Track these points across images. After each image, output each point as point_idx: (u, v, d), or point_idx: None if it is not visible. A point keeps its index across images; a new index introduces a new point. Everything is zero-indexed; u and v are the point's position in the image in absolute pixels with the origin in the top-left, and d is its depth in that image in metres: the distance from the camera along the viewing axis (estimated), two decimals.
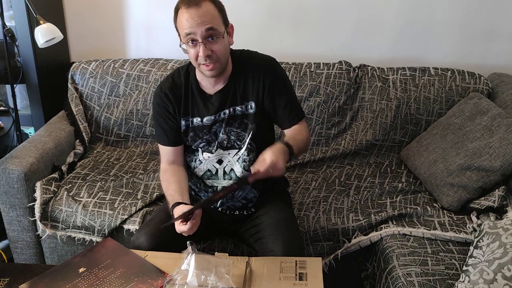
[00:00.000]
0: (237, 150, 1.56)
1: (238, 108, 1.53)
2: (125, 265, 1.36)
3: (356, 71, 2.25)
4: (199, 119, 1.56)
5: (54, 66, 2.39)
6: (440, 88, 2.19)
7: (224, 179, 1.60)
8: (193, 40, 1.39)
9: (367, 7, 2.31)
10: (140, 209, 1.87)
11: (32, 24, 2.07)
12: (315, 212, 1.84)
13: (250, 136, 1.54)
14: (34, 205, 1.89)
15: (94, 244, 1.84)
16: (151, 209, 1.89)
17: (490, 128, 1.85)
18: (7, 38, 2.03)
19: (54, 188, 1.96)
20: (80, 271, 1.34)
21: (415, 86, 2.20)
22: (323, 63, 2.27)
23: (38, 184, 1.92)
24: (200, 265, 1.23)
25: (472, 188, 1.78)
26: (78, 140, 2.30)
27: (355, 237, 1.76)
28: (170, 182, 1.52)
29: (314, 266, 1.33)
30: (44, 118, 2.31)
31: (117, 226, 1.83)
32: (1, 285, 1.34)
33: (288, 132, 1.57)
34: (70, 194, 1.93)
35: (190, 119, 1.57)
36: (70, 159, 2.18)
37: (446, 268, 1.50)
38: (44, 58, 2.26)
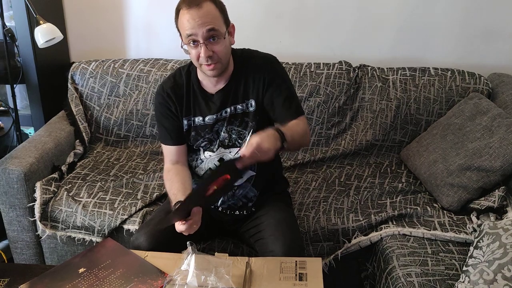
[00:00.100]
0: (238, 148, 1.56)
1: (239, 106, 1.54)
2: (125, 266, 1.36)
3: (356, 71, 2.25)
4: (200, 118, 1.56)
5: (54, 66, 2.39)
6: (440, 88, 2.19)
7: None
8: (194, 41, 1.39)
9: (367, 7, 2.31)
10: (140, 209, 1.87)
11: (32, 24, 2.07)
12: (315, 212, 1.84)
13: (250, 134, 1.54)
14: (34, 205, 1.89)
15: (94, 244, 1.84)
16: (151, 209, 1.89)
17: (490, 128, 1.85)
18: (7, 38, 2.03)
19: (54, 188, 1.96)
20: (80, 272, 1.34)
21: (415, 86, 2.20)
22: (323, 63, 2.27)
23: (38, 184, 1.92)
24: (200, 265, 1.23)
25: (472, 188, 1.78)
26: (78, 140, 2.30)
27: (355, 238, 1.76)
28: (174, 181, 1.52)
29: (314, 266, 1.33)
30: (44, 118, 2.31)
31: (117, 226, 1.83)
32: (1, 285, 1.34)
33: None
34: (70, 194, 1.93)
35: (192, 119, 1.57)
36: (70, 159, 2.18)
37: (446, 269, 1.50)
38: (44, 58, 2.26)
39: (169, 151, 1.60)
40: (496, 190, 1.76)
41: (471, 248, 1.46)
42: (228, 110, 1.54)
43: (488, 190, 1.79)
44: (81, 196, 1.93)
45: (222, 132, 1.56)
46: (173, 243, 1.41)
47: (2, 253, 2.00)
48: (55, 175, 2.01)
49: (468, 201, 1.80)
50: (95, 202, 1.89)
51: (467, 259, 1.44)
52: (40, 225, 1.88)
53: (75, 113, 2.32)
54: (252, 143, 1.24)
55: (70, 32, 2.51)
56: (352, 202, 1.89)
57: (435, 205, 1.85)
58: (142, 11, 2.45)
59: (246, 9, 2.34)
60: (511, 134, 1.77)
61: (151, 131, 2.33)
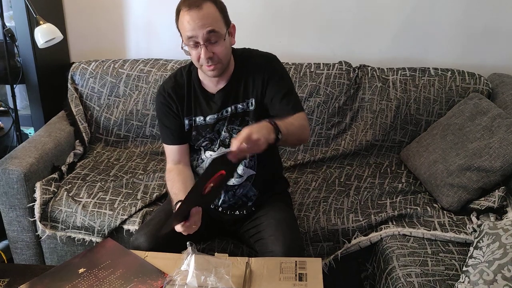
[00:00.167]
0: None
1: (239, 105, 1.54)
2: (125, 266, 1.36)
3: (356, 72, 2.25)
4: (201, 118, 1.56)
5: (54, 67, 2.39)
6: (440, 89, 2.19)
7: None
8: (194, 42, 1.39)
9: (367, 7, 2.31)
10: (139, 210, 1.87)
11: (32, 24, 2.07)
12: (315, 212, 1.84)
13: None
14: (34, 205, 1.89)
15: (94, 244, 1.84)
16: (151, 209, 1.89)
17: (490, 129, 1.85)
18: (7, 39, 2.03)
19: (54, 189, 1.96)
20: (79, 272, 1.34)
21: (415, 86, 2.20)
22: (323, 64, 2.27)
23: (37, 184, 1.92)
24: (200, 265, 1.23)
25: (472, 188, 1.78)
26: (78, 141, 2.30)
27: (355, 238, 1.76)
28: (175, 181, 1.52)
29: (314, 267, 1.32)
30: (44, 118, 2.31)
31: (117, 226, 1.83)
32: (1, 286, 1.34)
33: None
34: (70, 194, 1.93)
35: (193, 118, 1.57)
36: (70, 159, 2.18)
37: (446, 269, 1.50)
38: (44, 58, 2.26)
39: (171, 151, 1.60)
40: (496, 191, 1.76)
41: (471, 249, 1.46)
42: (229, 109, 1.55)
43: (488, 190, 1.79)
44: (81, 196, 1.93)
45: (223, 132, 1.56)
46: (173, 244, 1.41)
47: (2, 254, 2.00)
48: (55, 175, 2.01)
49: (468, 201, 1.80)
50: (95, 202, 1.89)
51: (467, 260, 1.44)
52: (40, 225, 1.88)
53: (75, 113, 2.32)
54: (242, 134, 1.21)
55: (70, 32, 2.51)
56: (352, 203, 1.89)
57: (435, 205, 1.85)
58: (142, 11, 2.45)
59: (246, 9, 2.34)
60: (511, 134, 1.77)
61: (151, 131, 2.33)
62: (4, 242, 2.14)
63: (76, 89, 2.36)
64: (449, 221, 1.75)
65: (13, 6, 2.13)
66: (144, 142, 2.35)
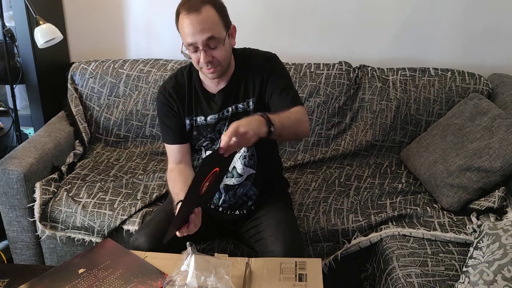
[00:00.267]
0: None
1: (240, 105, 1.55)
2: (124, 266, 1.36)
3: (356, 72, 2.25)
4: (202, 118, 1.57)
5: (54, 67, 2.39)
6: (440, 89, 2.18)
7: (226, 177, 1.60)
8: (194, 47, 1.40)
9: (367, 7, 2.31)
10: (139, 210, 1.87)
11: (32, 24, 2.06)
12: (315, 213, 1.84)
13: None
14: (33, 205, 1.88)
15: (94, 244, 1.84)
16: (151, 209, 1.89)
17: (490, 129, 1.85)
18: (7, 39, 2.03)
19: (54, 189, 1.96)
20: (79, 272, 1.34)
21: (415, 86, 2.20)
22: (323, 64, 2.27)
23: (37, 184, 1.92)
24: (199, 266, 1.23)
25: (472, 189, 1.78)
26: (77, 141, 2.30)
27: (355, 238, 1.76)
28: (176, 181, 1.51)
29: (314, 267, 1.32)
30: (43, 118, 2.31)
31: (117, 226, 1.83)
32: (1, 286, 1.34)
33: None
34: (70, 194, 1.93)
35: (194, 118, 1.57)
36: (69, 159, 2.18)
37: (446, 269, 1.50)
38: (43, 59, 2.26)
39: (173, 151, 1.60)
40: (496, 191, 1.76)
41: (471, 249, 1.46)
42: (230, 109, 1.55)
43: (488, 190, 1.79)
44: (80, 196, 1.93)
45: (224, 132, 1.56)
46: (172, 244, 1.41)
47: (2, 254, 2.00)
48: (55, 176, 2.01)
49: (468, 201, 1.80)
50: (95, 202, 1.89)
51: (467, 260, 1.44)
52: (39, 226, 1.88)
53: (74, 114, 2.31)
54: (230, 129, 1.20)
55: (70, 32, 2.51)
56: (352, 203, 1.89)
57: (435, 205, 1.85)
58: (142, 11, 2.45)
59: (245, 9, 2.34)
60: (511, 134, 1.77)
61: (151, 132, 2.33)
62: (4, 242, 2.14)
63: (76, 89, 2.36)
64: (449, 221, 1.75)
65: (13, 6, 2.13)
66: (144, 142, 2.35)
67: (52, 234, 1.88)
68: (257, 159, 1.61)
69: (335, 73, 2.24)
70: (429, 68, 2.24)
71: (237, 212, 1.66)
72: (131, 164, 2.20)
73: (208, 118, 1.56)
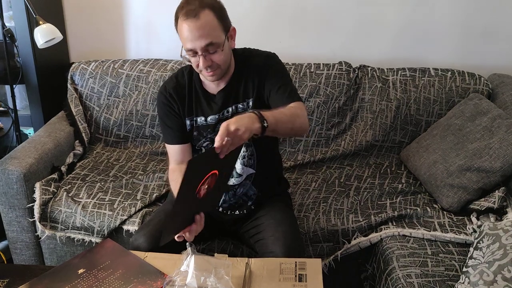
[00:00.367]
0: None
1: (239, 105, 1.55)
2: (124, 266, 1.35)
3: (356, 72, 2.25)
4: (203, 118, 1.57)
5: (54, 67, 2.39)
6: (440, 89, 2.18)
7: None
8: (193, 52, 1.40)
9: (367, 7, 2.31)
10: (139, 210, 1.86)
11: (32, 24, 2.06)
12: (315, 213, 1.83)
13: None
14: (33, 205, 1.88)
15: (94, 245, 1.84)
16: (151, 209, 1.88)
17: (490, 129, 1.85)
18: (7, 39, 2.03)
19: (54, 189, 1.96)
20: (79, 272, 1.34)
21: (415, 86, 2.20)
22: (323, 64, 2.27)
23: (37, 184, 1.91)
24: (199, 266, 1.23)
25: (472, 189, 1.78)
26: (77, 141, 2.30)
27: (355, 238, 1.76)
28: (178, 181, 1.51)
29: (314, 267, 1.32)
30: (43, 118, 2.31)
31: (117, 227, 1.83)
32: (1, 286, 1.34)
33: None
34: (70, 194, 1.93)
35: (194, 119, 1.58)
36: (69, 159, 2.18)
37: (446, 270, 1.50)
38: (43, 59, 2.26)
39: (174, 151, 1.60)
40: (496, 191, 1.76)
41: (471, 249, 1.46)
42: (230, 109, 1.55)
43: (488, 191, 1.79)
44: (80, 196, 1.93)
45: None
46: (172, 244, 1.41)
47: (2, 254, 2.00)
48: (55, 176, 2.01)
49: (468, 202, 1.80)
50: (95, 202, 1.89)
51: (467, 260, 1.44)
52: (39, 226, 1.88)
53: (74, 114, 2.31)
54: (221, 129, 1.17)
55: (70, 33, 2.51)
56: (352, 203, 1.89)
57: (435, 206, 1.84)
58: (142, 11, 2.45)
59: (245, 9, 2.34)
60: (511, 135, 1.77)
61: (151, 132, 2.33)
62: (4, 243, 2.14)
63: (75, 89, 2.36)
64: (449, 221, 1.75)
65: (13, 6, 2.13)
66: (143, 142, 2.35)
67: (52, 234, 1.88)
68: (256, 159, 1.61)
69: (335, 73, 2.24)
70: (429, 68, 2.24)
71: (237, 212, 1.66)
72: (131, 164, 2.19)
73: (208, 118, 1.56)
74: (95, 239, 1.86)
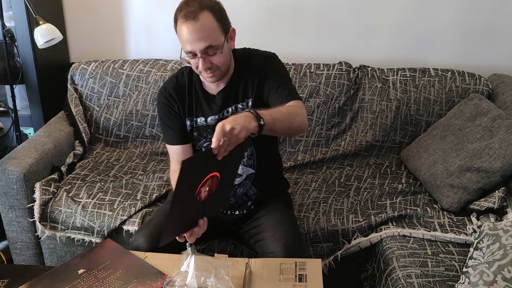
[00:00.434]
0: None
1: (239, 105, 1.55)
2: (124, 266, 1.35)
3: (356, 72, 2.25)
4: (203, 119, 1.57)
5: (54, 67, 2.39)
6: (440, 89, 2.18)
7: None
8: (193, 54, 1.40)
9: (367, 7, 2.31)
10: (139, 210, 1.86)
11: (32, 24, 2.06)
12: (315, 213, 1.83)
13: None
14: (33, 206, 1.88)
15: (94, 245, 1.84)
16: (151, 210, 1.88)
17: (490, 129, 1.85)
18: (7, 39, 2.03)
19: (54, 189, 1.96)
20: (79, 272, 1.34)
21: (415, 87, 2.20)
22: (323, 64, 2.27)
23: (37, 185, 1.91)
24: (199, 266, 1.23)
25: (472, 189, 1.78)
26: (77, 141, 2.29)
27: (355, 238, 1.76)
28: None
29: (314, 268, 1.32)
30: (43, 118, 2.31)
31: (117, 227, 1.83)
32: (1, 286, 1.34)
33: None
34: (70, 195, 1.93)
35: (194, 119, 1.58)
36: (69, 159, 2.18)
37: (446, 270, 1.50)
38: (43, 59, 2.26)
39: (175, 152, 1.60)
40: (496, 191, 1.76)
41: (471, 249, 1.46)
42: (230, 110, 1.55)
43: (488, 191, 1.79)
44: (80, 196, 1.93)
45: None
46: (172, 244, 1.41)
47: (2, 254, 2.00)
48: (55, 176, 2.01)
49: (468, 202, 1.80)
50: (95, 202, 1.89)
51: (467, 260, 1.44)
52: (39, 226, 1.88)
53: (74, 114, 2.31)
54: (216, 130, 1.16)
55: (70, 33, 2.51)
56: (352, 203, 1.89)
57: (435, 206, 1.84)
58: (141, 11, 2.44)
59: (245, 9, 2.34)
60: (511, 135, 1.77)
61: (151, 132, 2.33)
62: (4, 243, 2.14)
63: (75, 90, 2.36)
64: (449, 222, 1.75)
65: (13, 6, 2.13)
66: (143, 142, 2.35)
67: (52, 234, 1.88)
68: (256, 159, 1.61)
69: (335, 74, 2.24)
70: (429, 69, 2.24)
71: (237, 212, 1.66)
72: (131, 165, 2.19)
73: (209, 119, 1.56)
74: (95, 239, 1.86)
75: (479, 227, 1.57)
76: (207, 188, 1.20)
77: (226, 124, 1.15)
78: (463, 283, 1.36)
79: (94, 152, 2.30)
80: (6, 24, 2.10)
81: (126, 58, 2.47)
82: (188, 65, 1.48)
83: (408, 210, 1.80)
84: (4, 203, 1.90)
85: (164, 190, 1.97)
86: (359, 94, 2.24)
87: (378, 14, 2.32)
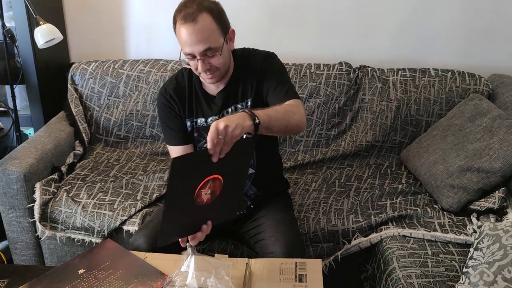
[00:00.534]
0: None
1: (239, 106, 1.55)
2: (124, 267, 1.35)
3: (356, 72, 2.25)
4: (203, 119, 1.57)
5: (54, 67, 2.39)
6: (440, 89, 2.18)
7: None
8: (192, 56, 1.40)
9: (367, 8, 2.31)
10: (139, 210, 1.86)
11: (32, 24, 2.06)
12: (315, 213, 1.83)
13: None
14: (33, 206, 1.88)
15: (94, 245, 1.84)
16: (151, 210, 1.88)
17: (490, 130, 1.85)
18: (7, 39, 2.03)
19: (54, 189, 1.96)
20: (79, 273, 1.34)
21: (415, 87, 2.20)
22: (323, 64, 2.27)
23: (37, 185, 1.91)
24: (199, 266, 1.23)
25: (472, 189, 1.78)
26: (77, 141, 2.29)
27: (355, 239, 1.76)
28: None
29: (314, 268, 1.32)
30: (43, 118, 2.31)
31: (117, 227, 1.83)
32: (1, 286, 1.34)
33: None
34: (70, 195, 1.93)
35: (195, 120, 1.58)
36: (69, 160, 2.18)
37: (446, 270, 1.50)
38: (44, 59, 2.26)
39: (176, 152, 1.60)
40: (496, 192, 1.76)
41: (471, 250, 1.46)
42: (230, 110, 1.55)
43: (488, 191, 1.79)
44: (80, 197, 1.93)
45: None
46: (172, 244, 1.41)
47: (2, 254, 1.99)
48: (55, 176, 2.01)
49: (468, 202, 1.80)
50: (95, 203, 1.89)
51: (467, 261, 1.44)
52: (39, 226, 1.88)
53: (74, 114, 2.31)
54: (211, 130, 1.15)
55: (70, 33, 2.51)
56: (352, 203, 1.89)
57: (435, 206, 1.84)
58: (142, 11, 2.44)
59: (246, 10, 2.34)
60: (511, 135, 1.77)
61: (151, 132, 2.33)
62: (4, 243, 2.14)
63: (76, 90, 2.36)
64: (449, 222, 1.75)
65: (13, 7, 2.13)
66: (144, 142, 2.35)
67: (52, 234, 1.88)
68: (256, 159, 1.61)
69: (335, 74, 2.24)
70: (429, 69, 2.24)
71: (237, 212, 1.66)
72: (131, 165, 2.19)
73: (209, 119, 1.56)
74: (95, 240, 1.86)
75: (479, 227, 1.57)
76: (209, 191, 1.18)
77: (220, 122, 1.14)
78: (463, 283, 1.36)
79: (94, 152, 2.30)
80: (6, 24, 2.10)
81: (126, 58, 2.47)
82: (188, 66, 1.48)
83: (408, 210, 1.80)
84: (4, 203, 1.90)
85: (164, 190, 1.97)
86: (359, 94, 2.24)
87: (378, 14, 2.32)
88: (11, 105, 2.16)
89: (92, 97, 2.35)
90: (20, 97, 2.37)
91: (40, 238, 1.91)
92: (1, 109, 2.38)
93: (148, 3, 2.42)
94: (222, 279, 1.21)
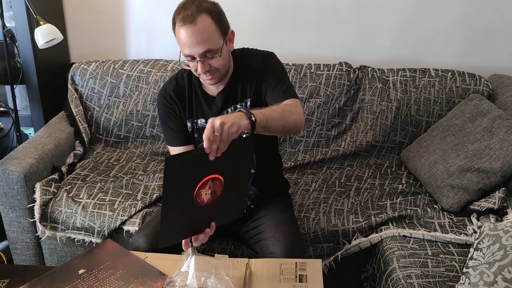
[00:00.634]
0: None
1: (238, 106, 1.55)
2: (125, 267, 1.35)
3: (356, 72, 2.25)
4: (203, 120, 1.57)
5: (54, 67, 2.39)
6: (440, 90, 2.18)
7: None
8: (191, 58, 1.40)
9: (367, 8, 2.31)
10: (139, 210, 1.86)
11: (32, 24, 2.07)
12: (315, 213, 1.83)
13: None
14: (33, 206, 1.88)
15: (94, 245, 1.84)
16: (151, 210, 1.88)
17: (490, 130, 1.85)
18: (7, 39, 2.03)
19: (54, 189, 1.96)
20: (79, 273, 1.34)
21: (415, 87, 2.20)
22: (323, 64, 2.27)
23: (37, 185, 1.91)
24: (200, 266, 1.23)
25: (472, 189, 1.78)
26: (78, 141, 2.30)
27: (355, 239, 1.76)
28: None
29: (314, 268, 1.32)
30: (44, 119, 2.31)
31: (117, 227, 1.83)
32: (1, 286, 1.34)
33: None
34: (70, 195, 1.93)
35: (195, 121, 1.58)
36: (70, 160, 2.18)
37: (446, 270, 1.50)
38: (44, 59, 2.26)
39: (177, 152, 1.60)
40: (496, 192, 1.76)
41: (471, 250, 1.46)
42: (229, 110, 1.55)
43: (488, 191, 1.79)
44: (81, 197, 1.93)
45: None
46: (172, 245, 1.41)
47: (2, 254, 1.99)
48: (55, 176, 2.01)
49: (468, 202, 1.80)
50: (95, 203, 1.89)
51: (467, 261, 1.44)
52: (40, 226, 1.88)
53: (75, 114, 2.31)
54: (207, 127, 1.13)
55: (70, 33, 2.51)
56: (352, 203, 1.89)
57: (435, 206, 1.84)
58: (142, 12, 2.45)
59: (246, 10, 2.34)
60: (511, 135, 1.77)
61: (151, 132, 2.33)
62: (4, 243, 2.14)
63: (76, 90, 2.36)
64: (449, 222, 1.75)
65: (13, 7, 2.13)
66: (144, 142, 2.35)
67: (52, 234, 1.88)
68: (256, 158, 1.61)
69: (335, 74, 2.24)
70: (429, 69, 2.24)
71: None
72: (131, 165, 2.19)
73: (209, 120, 1.55)
74: (95, 240, 1.86)
75: (479, 227, 1.57)
76: (209, 191, 1.17)
77: (216, 120, 1.12)
78: (464, 283, 1.36)
79: (95, 152, 2.30)
80: (7, 24, 2.10)
81: (126, 58, 2.47)
82: (187, 68, 1.48)
83: (408, 211, 1.80)
84: (4, 203, 1.90)
85: None
86: (359, 95, 2.24)
87: (378, 14, 2.32)
88: (11, 105, 2.16)
89: (92, 97, 2.35)
90: (20, 97, 2.37)
91: (40, 238, 1.92)
92: (1, 109, 2.39)
93: (148, 3, 2.42)
94: (222, 279, 1.21)
